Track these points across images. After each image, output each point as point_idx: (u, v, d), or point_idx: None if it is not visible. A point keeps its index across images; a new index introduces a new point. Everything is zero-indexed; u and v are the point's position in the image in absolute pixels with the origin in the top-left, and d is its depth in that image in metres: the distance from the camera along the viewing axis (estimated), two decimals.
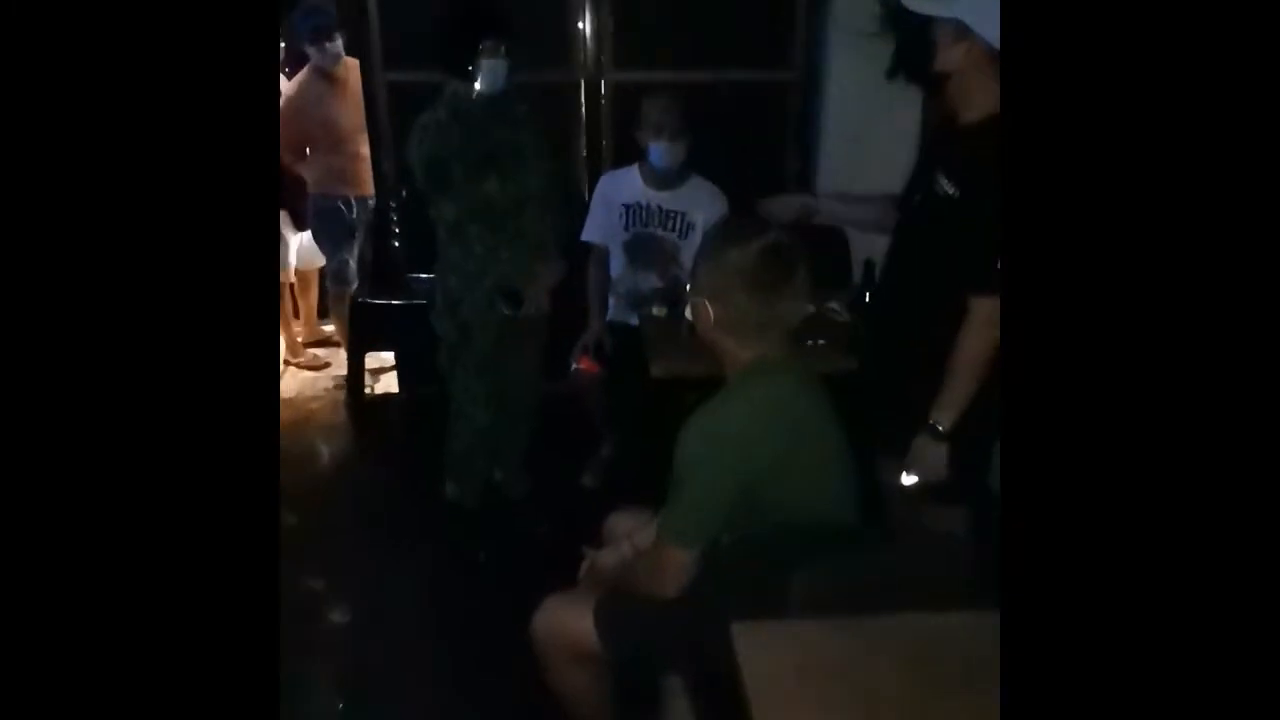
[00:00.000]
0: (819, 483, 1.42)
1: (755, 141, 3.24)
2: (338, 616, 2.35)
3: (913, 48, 1.64)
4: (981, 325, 1.54)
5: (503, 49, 2.12)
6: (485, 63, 2.11)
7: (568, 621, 1.53)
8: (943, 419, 1.60)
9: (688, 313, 1.47)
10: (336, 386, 3.60)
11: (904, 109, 2.76)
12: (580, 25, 3.14)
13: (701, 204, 2.68)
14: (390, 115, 3.17)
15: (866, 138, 3.14)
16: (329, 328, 3.95)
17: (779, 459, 1.36)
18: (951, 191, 1.59)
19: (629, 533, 1.70)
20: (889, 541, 1.52)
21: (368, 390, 3.57)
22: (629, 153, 2.73)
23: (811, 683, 1.09)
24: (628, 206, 2.71)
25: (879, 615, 1.17)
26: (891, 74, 1.71)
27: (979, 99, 1.56)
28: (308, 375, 3.81)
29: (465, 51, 2.11)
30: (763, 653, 1.12)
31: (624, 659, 1.52)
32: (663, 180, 2.65)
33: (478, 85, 2.14)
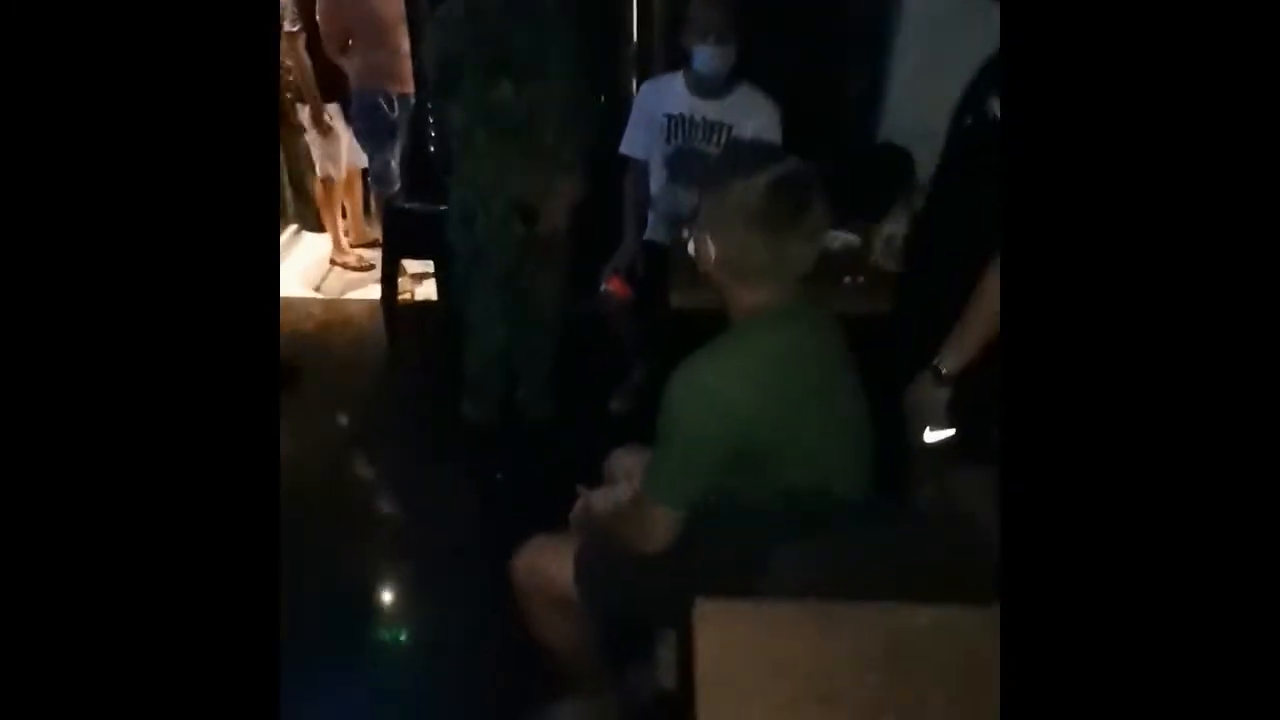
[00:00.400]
0: (823, 448, 1.28)
1: (816, 49, 2.95)
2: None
3: None
4: None
5: None
6: None
7: (548, 567, 1.46)
8: (947, 360, 1.44)
9: (690, 247, 1.32)
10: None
11: (994, 16, 2.45)
12: None
13: (751, 116, 2.47)
14: (431, 6, 2.98)
15: (948, 50, 2.82)
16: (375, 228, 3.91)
17: (775, 420, 1.22)
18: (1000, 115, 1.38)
19: (629, 473, 1.61)
20: (900, 519, 1.38)
21: (405, 296, 3.53)
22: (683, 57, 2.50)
23: (769, 673, 0.99)
24: (670, 117, 2.51)
25: (861, 604, 1.05)
26: None
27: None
28: (352, 276, 3.79)
29: None
30: (721, 634, 1.02)
31: (601, 612, 1.45)
32: (709, 89, 2.44)
33: None
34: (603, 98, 2.96)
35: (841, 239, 2.21)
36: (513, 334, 2.34)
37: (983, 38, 2.46)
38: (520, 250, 2.20)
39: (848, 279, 2.05)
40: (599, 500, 1.58)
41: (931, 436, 1.55)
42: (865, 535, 1.21)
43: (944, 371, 1.44)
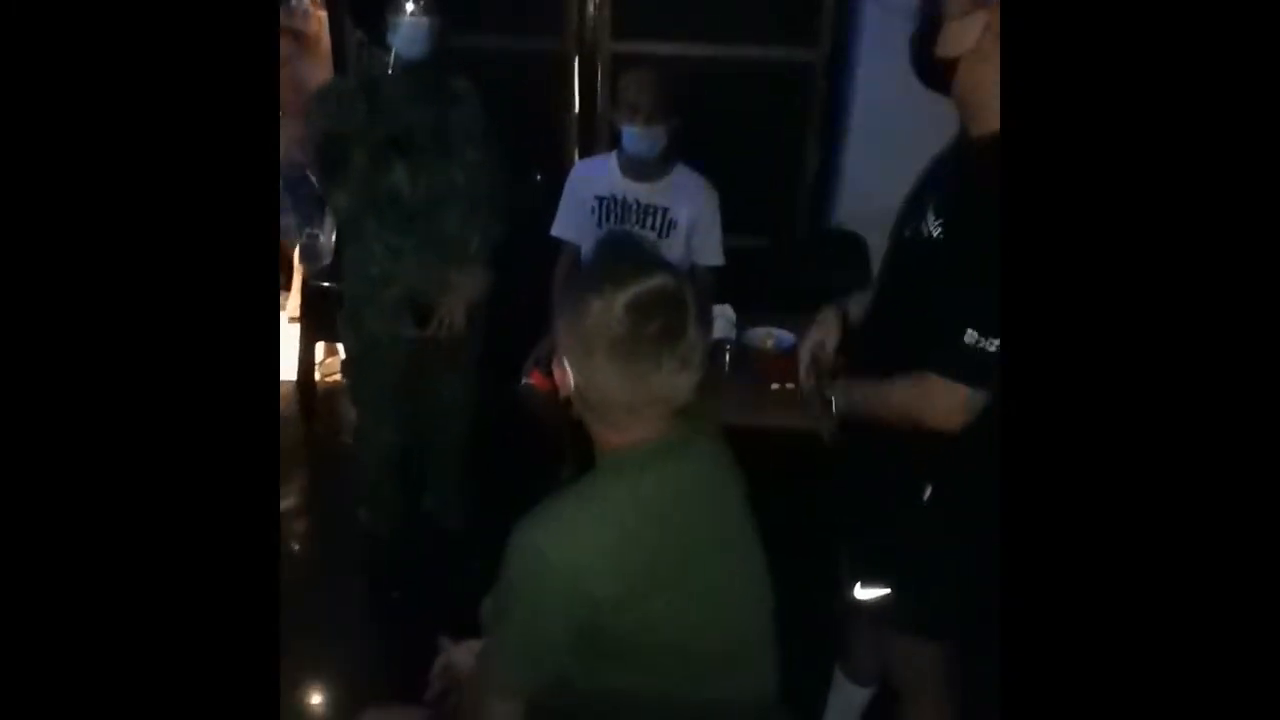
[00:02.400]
0: (706, 638, 1.04)
1: (769, 131, 2.81)
2: None
3: (925, 27, 1.23)
4: (928, 407, 1.15)
5: (420, 4, 1.74)
6: (396, 21, 1.75)
7: None
8: (838, 394, 1.31)
9: (554, 369, 1.11)
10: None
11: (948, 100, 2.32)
12: None
13: (686, 199, 2.31)
14: None
15: (902, 132, 2.67)
16: None
17: (635, 596, 0.98)
18: (936, 233, 1.19)
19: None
20: None
21: (334, 378, 3.31)
22: None
23: None
24: (601, 199, 2.34)
25: None
26: (915, 64, 1.30)
27: (993, 102, 1.14)
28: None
29: (374, 6, 1.75)
30: None
31: None
32: (641, 170, 2.27)
33: (394, 50, 1.78)
34: (539, 175, 2.80)
35: (774, 338, 2.00)
36: (412, 439, 2.10)
37: (937, 121, 2.31)
38: (416, 350, 1.98)
39: (776, 385, 1.83)
40: (461, 657, 1.32)
41: (863, 594, 1.33)
42: None
43: (829, 395, 1.31)
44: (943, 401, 1.14)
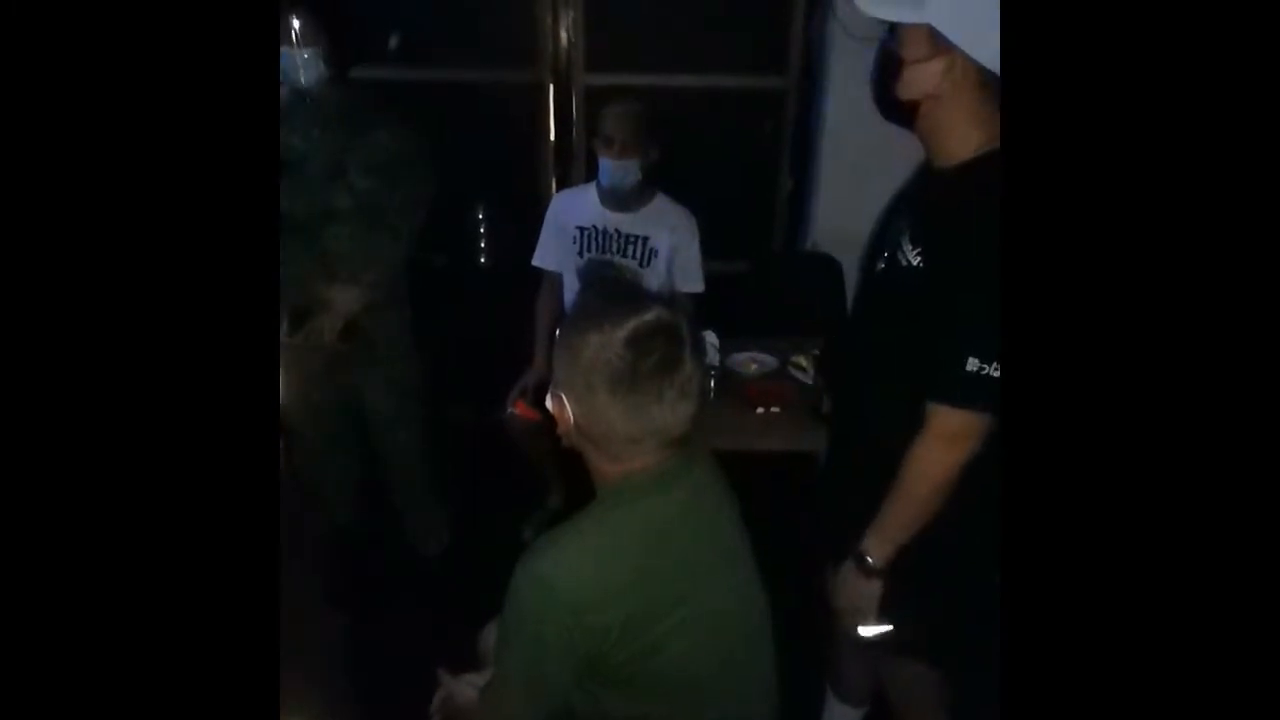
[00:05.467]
0: (707, 662, 1.06)
1: (743, 158, 2.86)
2: None
3: (885, 66, 1.26)
4: (937, 440, 1.17)
5: (301, 36, 1.76)
6: (282, 52, 1.76)
7: None
8: (873, 549, 1.25)
9: (549, 404, 1.13)
10: None
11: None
12: (547, 19, 2.76)
13: (667, 227, 2.34)
14: None
15: (871, 158, 2.74)
16: None
17: (643, 620, 1.00)
18: (915, 262, 1.22)
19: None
20: None
21: None
22: None
23: None
24: (582, 229, 2.37)
25: None
26: (877, 103, 1.32)
27: (956, 139, 1.18)
28: None
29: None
30: None
31: None
32: (621, 200, 2.30)
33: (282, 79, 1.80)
34: (480, 214, 2.85)
35: (758, 362, 2.03)
36: (353, 461, 2.21)
37: (905, 143, 2.37)
38: (327, 359, 2.04)
39: (761, 409, 1.86)
40: (460, 691, 1.32)
41: (866, 632, 1.34)
42: None
43: (870, 561, 1.25)
44: (951, 428, 1.15)
